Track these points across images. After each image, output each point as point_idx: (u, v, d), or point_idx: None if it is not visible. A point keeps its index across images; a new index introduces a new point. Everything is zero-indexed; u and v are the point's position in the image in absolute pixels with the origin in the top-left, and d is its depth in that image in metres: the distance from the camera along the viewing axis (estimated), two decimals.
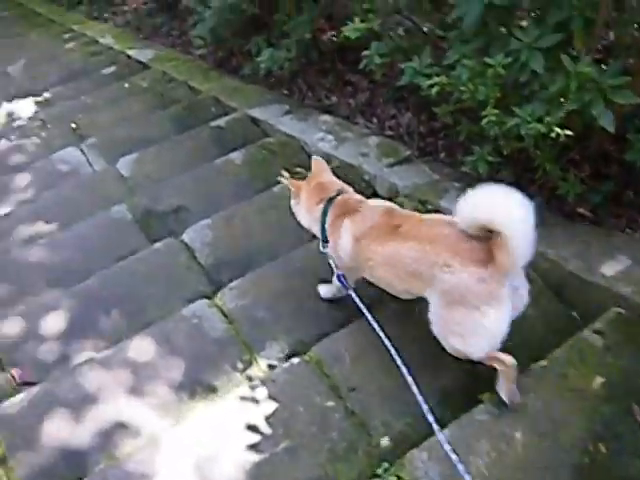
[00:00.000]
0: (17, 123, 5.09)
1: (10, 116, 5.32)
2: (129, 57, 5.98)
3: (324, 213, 2.42)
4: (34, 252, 3.31)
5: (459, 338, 2.02)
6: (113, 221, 3.41)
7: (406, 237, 2.10)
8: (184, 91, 4.93)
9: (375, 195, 3.26)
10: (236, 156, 3.74)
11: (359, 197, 2.47)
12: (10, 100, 5.60)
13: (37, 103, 5.40)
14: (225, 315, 2.64)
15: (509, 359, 1.98)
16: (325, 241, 2.44)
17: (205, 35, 4.80)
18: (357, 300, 2.33)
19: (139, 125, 4.47)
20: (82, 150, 4.25)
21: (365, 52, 3.35)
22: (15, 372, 2.64)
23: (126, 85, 5.20)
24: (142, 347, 2.54)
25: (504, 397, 2.03)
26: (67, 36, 7.36)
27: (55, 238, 3.42)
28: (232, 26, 4.62)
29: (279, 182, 2.97)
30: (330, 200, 2.43)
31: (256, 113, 4.23)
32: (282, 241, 3.07)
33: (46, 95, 5.48)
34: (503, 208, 1.84)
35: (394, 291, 2.28)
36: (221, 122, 4.17)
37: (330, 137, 3.79)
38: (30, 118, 5.15)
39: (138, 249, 3.21)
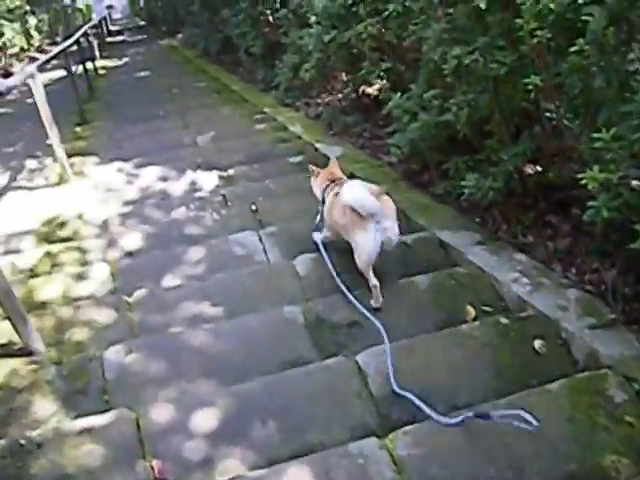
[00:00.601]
0: (199, 194, 5.12)
1: (193, 185, 5.39)
2: (316, 150, 5.96)
3: (325, 189, 3.73)
4: (196, 335, 3.15)
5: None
6: (284, 321, 3.20)
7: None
8: None
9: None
10: (421, 280, 3.47)
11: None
12: (195, 170, 5.69)
13: (221, 178, 5.44)
14: (395, 463, 2.31)
15: (375, 280, 3.26)
16: (323, 203, 3.71)
17: (402, 145, 4.66)
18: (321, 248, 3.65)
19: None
20: (260, 237, 4.13)
21: (592, 203, 3.04)
22: (156, 465, 2.42)
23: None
24: (299, 476, 2.26)
25: (372, 302, 3.27)
26: (258, 117, 7.54)
27: (220, 325, 3.25)
28: (433, 140, 4.47)
29: (467, 320, 2.97)
30: (330, 183, 3.72)
31: (445, 237, 3.98)
32: (464, 389, 2.75)
33: (230, 172, 5.51)
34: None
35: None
36: (408, 239, 3.94)
37: (525, 280, 3.45)
38: (212, 192, 5.17)
39: (305, 358, 2.97)
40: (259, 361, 2.99)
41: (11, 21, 17.09)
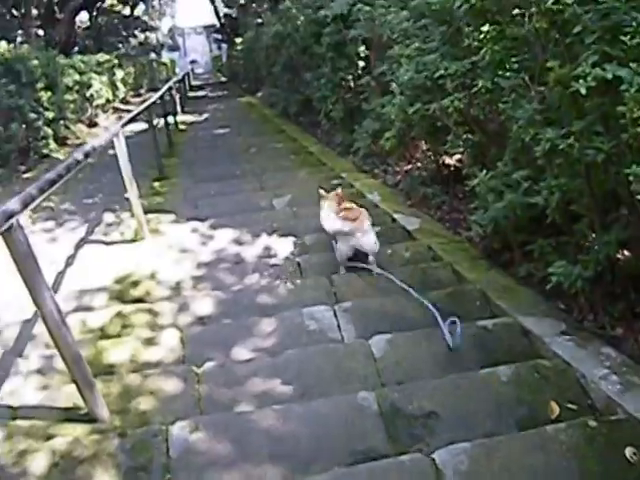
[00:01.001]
0: (273, 261, 5.03)
1: (267, 251, 5.31)
2: (394, 220, 5.84)
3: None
4: (264, 415, 3.00)
5: None
6: (357, 407, 3.02)
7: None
8: (448, 274, 4.59)
9: None
10: (503, 371, 3.25)
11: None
12: (270, 234, 5.63)
13: (296, 245, 5.34)
14: None
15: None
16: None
17: (485, 224, 4.49)
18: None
19: (397, 301, 4.17)
20: (335, 312, 4.00)
21: None
22: None
23: (388, 251, 4.97)
24: None
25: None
26: (335, 182, 7.46)
27: (290, 407, 3.10)
28: (517, 220, 4.30)
29: (550, 418, 2.82)
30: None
31: (528, 324, 3.75)
32: None
33: (306, 239, 5.41)
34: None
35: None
36: (488, 324, 3.74)
37: (614, 377, 3.20)
38: (286, 259, 5.08)
39: (377, 450, 2.79)
40: (329, 449, 2.83)
41: (99, 74, 17.71)
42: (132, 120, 6.41)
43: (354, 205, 4.79)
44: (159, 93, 9.84)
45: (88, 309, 4.51)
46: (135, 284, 4.82)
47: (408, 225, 5.59)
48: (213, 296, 4.42)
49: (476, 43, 4.46)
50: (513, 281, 4.34)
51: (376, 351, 3.53)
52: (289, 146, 10.47)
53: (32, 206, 2.69)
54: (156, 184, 8.53)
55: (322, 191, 4.98)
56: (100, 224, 6.75)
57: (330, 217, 4.68)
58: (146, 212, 6.46)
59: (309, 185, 7.46)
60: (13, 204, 2.43)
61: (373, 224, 4.74)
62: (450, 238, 5.29)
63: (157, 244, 5.79)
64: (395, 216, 5.89)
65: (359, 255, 4.64)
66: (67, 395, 3.23)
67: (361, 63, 8.42)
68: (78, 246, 6.05)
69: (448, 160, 6.68)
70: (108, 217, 6.98)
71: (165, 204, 7.23)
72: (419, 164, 7.31)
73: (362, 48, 8.19)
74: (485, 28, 4.19)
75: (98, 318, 4.24)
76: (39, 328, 3.87)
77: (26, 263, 2.45)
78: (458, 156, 6.39)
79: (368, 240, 4.59)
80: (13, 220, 2.36)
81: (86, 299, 4.67)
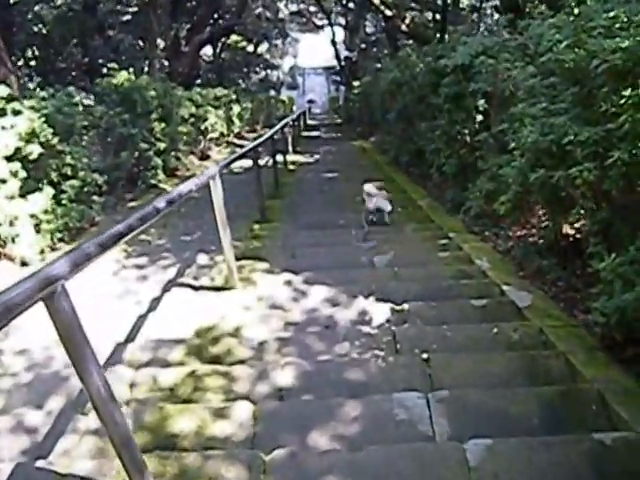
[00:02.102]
0: (367, 329, 4.56)
1: (362, 316, 4.88)
2: (503, 293, 5.30)
3: None
4: None
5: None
6: None
7: None
8: (560, 366, 3.99)
9: None
10: None
11: None
12: (367, 296, 5.22)
13: (393, 312, 4.86)
14: None
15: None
16: None
17: (609, 313, 3.93)
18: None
19: (498, 392, 3.65)
20: (428, 401, 3.52)
21: None
22: None
23: (494, 330, 4.45)
24: None
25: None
26: (442, 242, 7.02)
27: None
28: None
29: None
30: None
31: None
32: None
33: (405, 306, 4.93)
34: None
35: None
36: (606, 438, 3.14)
37: None
38: (381, 328, 4.62)
39: None
40: None
41: (216, 107, 17.95)
42: (234, 161, 6.17)
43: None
44: (269, 133, 9.69)
45: (162, 364, 4.24)
46: (216, 340, 4.51)
47: (518, 301, 5.04)
48: (296, 365, 4.02)
49: (614, 109, 3.97)
50: (638, 384, 3.73)
51: (472, 459, 3.02)
52: (397, 197, 10.02)
53: (86, 267, 2.33)
54: (256, 227, 8.30)
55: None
56: (192, 265, 6.53)
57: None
58: (241, 258, 6.23)
59: (414, 244, 7.05)
60: (60, 266, 2.09)
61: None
62: (565, 321, 4.71)
63: (247, 294, 5.48)
64: (504, 288, 5.35)
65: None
66: (118, 468, 2.90)
67: (479, 117, 7.96)
68: (165, 288, 5.85)
69: (567, 229, 6.09)
70: (201, 258, 6.77)
71: (262, 250, 6.96)
72: (534, 230, 6.76)
73: (481, 102, 7.74)
74: (627, 92, 3.72)
75: (170, 376, 3.95)
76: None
77: (71, 334, 2.12)
78: (578, 224, 5.80)
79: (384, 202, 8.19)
80: (57, 285, 2.03)
81: (162, 351, 4.39)
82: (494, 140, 6.83)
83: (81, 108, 9.65)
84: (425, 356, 4.06)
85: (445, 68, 8.09)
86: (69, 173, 8.42)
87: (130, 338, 4.71)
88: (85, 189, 8.85)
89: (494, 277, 5.67)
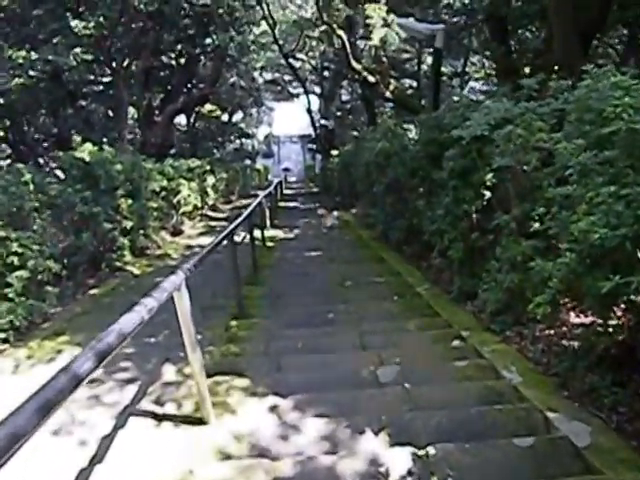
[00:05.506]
0: None
1: (372, 467, 3.64)
2: (547, 422, 4.13)
3: None
4: None
5: None
6: None
7: None
8: None
9: None
10: None
11: None
12: (377, 434, 4.02)
13: (415, 459, 3.66)
14: None
15: None
16: None
17: None
18: None
19: None
20: None
21: None
22: None
23: None
24: None
25: None
26: (455, 344, 5.85)
27: None
28: None
29: None
30: None
31: None
32: None
33: (430, 451, 3.72)
34: None
35: None
36: None
37: None
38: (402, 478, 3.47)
39: None
40: None
41: (189, 180, 16.94)
42: (204, 258, 5.00)
43: None
44: (245, 214, 8.57)
45: None
46: None
47: (574, 437, 3.87)
48: None
49: None
50: None
51: None
52: (391, 282, 8.90)
53: None
54: (233, 324, 7.06)
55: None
56: (155, 382, 5.29)
57: None
58: (216, 373, 5.04)
59: (422, 347, 5.85)
60: None
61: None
62: (634, 461, 3.57)
63: (222, 431, 4.23)
64: (550, 416, 4.17)
65: None
66: None
67: (487, 193, 6.83)
68: (119, 419, 4.61)
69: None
70: (168, 372, 5.55)
71: (241, 359, 5.73)
72: (564, 328, 5.63)
73: (489, 176, 6.63)
74: None
75: None
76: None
77: None
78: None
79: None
80: None
81: None
82: (516, 223, 5.73)
83: (32, 187, 8.51)
84: None
85: (448, 138, 7.06)
86: (16, 263, 7.30)
87: None
88: (38, 277, 7.78)
89: (532, 398, 4.48)
